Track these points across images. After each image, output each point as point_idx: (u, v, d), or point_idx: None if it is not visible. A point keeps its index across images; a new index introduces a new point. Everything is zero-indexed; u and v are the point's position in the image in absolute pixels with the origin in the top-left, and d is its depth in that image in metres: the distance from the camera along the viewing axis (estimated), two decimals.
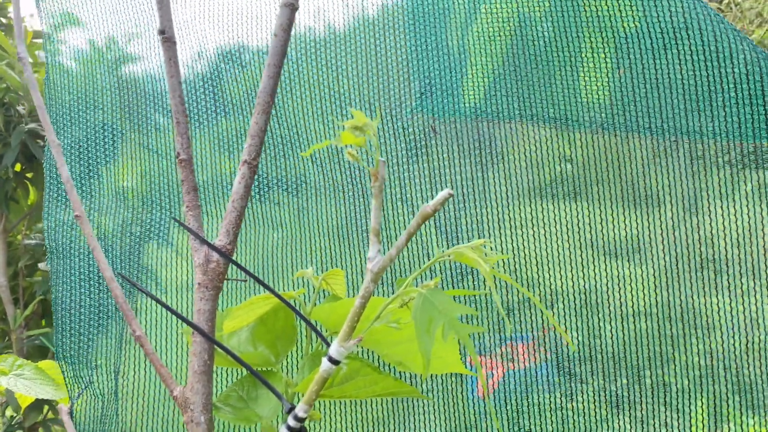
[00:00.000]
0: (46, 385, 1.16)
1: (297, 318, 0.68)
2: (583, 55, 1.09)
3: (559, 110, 1.10)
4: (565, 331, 1.10)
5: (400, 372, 0.95)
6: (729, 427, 1.02)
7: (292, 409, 0.57)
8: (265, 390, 0.63)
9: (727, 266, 1.06)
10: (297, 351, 0.94)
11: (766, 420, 1.01)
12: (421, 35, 1.11)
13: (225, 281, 0.66)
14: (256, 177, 1.26)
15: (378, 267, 0.56)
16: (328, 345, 0.60)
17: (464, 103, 1.10)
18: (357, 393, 0.59)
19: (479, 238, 1.12)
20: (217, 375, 0.95)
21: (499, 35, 1.10)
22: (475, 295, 1.10)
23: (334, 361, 0.56)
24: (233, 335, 0.70)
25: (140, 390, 1.04)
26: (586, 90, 1.09)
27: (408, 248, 1.12)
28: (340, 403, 1.05)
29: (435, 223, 1.15)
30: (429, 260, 1.21)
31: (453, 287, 1.14)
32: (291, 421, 0.55)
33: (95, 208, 1.21)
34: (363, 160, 0.56)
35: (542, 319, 1.12)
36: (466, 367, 0.70)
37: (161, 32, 0.67)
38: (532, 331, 1.11)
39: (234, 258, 0.66)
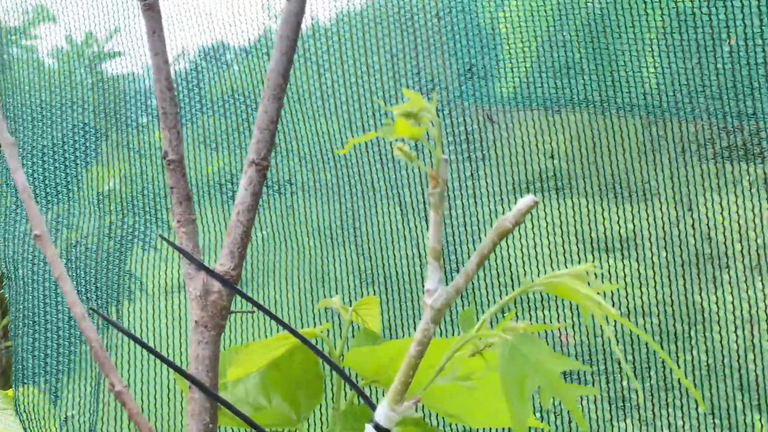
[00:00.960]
0: (16, 417, 1.01)
1: (320, 362, 0.53)
2: (637, 34, 0.96)
3: (608, 95, 0.98)
4: (569, 333, 1.03)
5: (450, 424, 0.80)
6: (733, 425, 0.95)
7: None
8: None
9: (728, 261, 1.00)
10: (323, 404, 0.79)
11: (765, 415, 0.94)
12: (457, 14, 0.99)
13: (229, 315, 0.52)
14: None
15: (441, 302, 0.42)
16: (371, 404, 0.45)
17: (501, 90, 0.97)
18: None
19: (468, 233, 1.02)
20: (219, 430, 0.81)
21: (539, 12, 0.97)
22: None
23: (383, 430, 0.41)
24: (238, 383, 0.56)
25: None
26: (641, 72, 0.96)
27: (401, 253, 1.01)
28: None
29: (426, 219, 1.03)
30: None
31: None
32: None
33: (76, 212, 1.08)
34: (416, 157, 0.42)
35: (543, 317, 1.03)
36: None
37: None
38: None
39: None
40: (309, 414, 0.53)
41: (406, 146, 0.43)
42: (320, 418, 0.84)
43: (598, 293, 0.41)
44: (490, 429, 0.93)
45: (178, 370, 0.48)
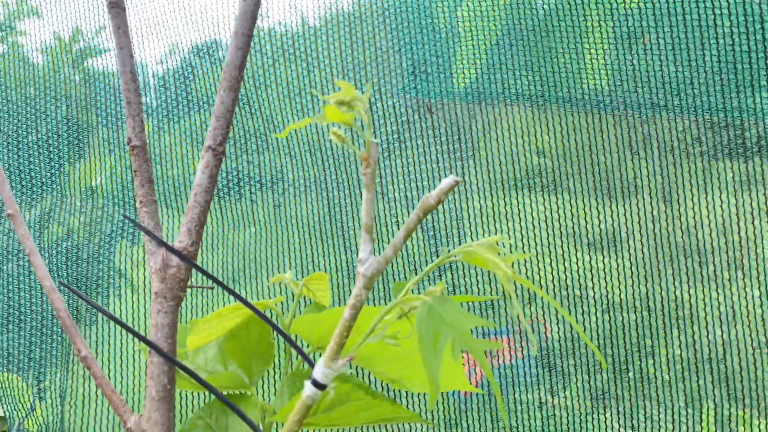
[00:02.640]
0: None
1: (274, 331, 0.58)
2: (584, 31, 1.01)
3: (556, 91, 1.03)
4: (547, 326, 1.06)
5: (393, 391, 0.85)
6: (711, 418, 0.99)
7: None
8: (236, 418, 0.53)
9: (708, 257, 1.03)
10: (274, 370, 0.84)
11: (748, 410, 0.98)
12: (411, 12, 1.03)
13: (188, 289, 0.56)
14: (225, 172, 1.18)
15: (372, 270, 0.46)
16: (312, 365, 0.50)
17: (456, 85, 1.02)
18: (347, 420, 0.49)
19: (457, 230, 1.07)
20: (180, 398, 0.85)
21: (493, 10, 1.02)
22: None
23: (320, 386, 0.46)
24: (199, 352, 0.60)
25: (90, 418, 0.94)
26: (586, 69, 1.01)
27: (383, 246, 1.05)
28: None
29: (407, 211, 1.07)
30: (419, 260, 1.14)
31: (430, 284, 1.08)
32: None
33: (64, 206, 1.12)
34: (350, 142, 0.47)
35: (529, 312, 1.07)
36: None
37: None
38: (509, 326, 1.05)
39: (198, 262, 0.56)
40: (259, 378, 0.58)
41: (341, 131, 0.48)
42: (272, 385, 0.88)
43: (508, 262, 0.46)
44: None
45: (139, 336, 0.53)
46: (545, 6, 1.00)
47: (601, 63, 1.02)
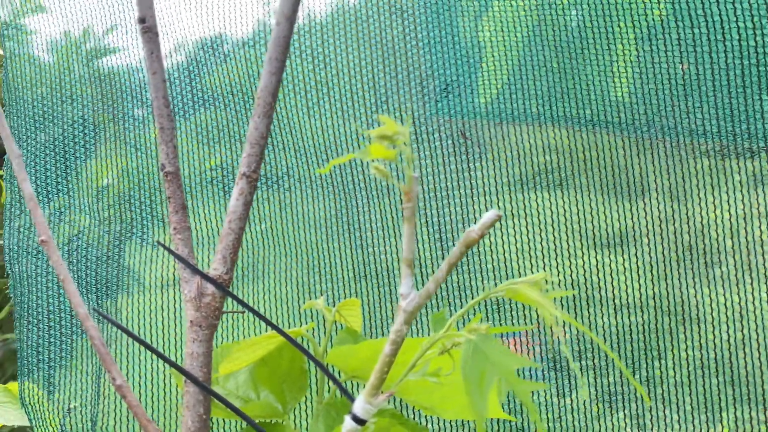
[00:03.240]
0: (15, 410, 1.05)
1: (307, 359, 0.57)
2: (612, 48, 1.00)
3: (584, 110, 1.02)
4: (555, 325, 1.06)
5: (426, 417, 0.85)
6: (724, 419, 0.98)
7: None
8: None
9: (718, 257, 1.02)
10: (308, 398, 0.83)
11: (761, 412, 0.97)
12: (434, 25, 1.02)
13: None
14: (232, 168, 1.18)
15: (413, 306, 0.46)
16: (350, 397, 0.49)
17: (480, 103, 1.01)
18: None
19: (466, 230, 1.06)
20: (212, 424, 0.85)
21: (518, 24, 1.01)
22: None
23: (360, 421, 0.46)
24: (229, 377, 0.60)
25: None
26: (614, 87, 1.00)
27: (395, 248, 1.05)
28: None
29: (421, 216, 1.07)
30: (425, 261, 1.13)
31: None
32: None
33: (74, 206, 1.11)
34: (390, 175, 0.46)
35: (535, 314, 1.06)
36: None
37: (141, 21, 0.56)
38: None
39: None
40: (294, 406, 0.57)
41: (382, 165, 0.47)
42: (304, 411, 0.88)
43: (551, 299, 0.45)
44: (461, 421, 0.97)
45: (174, 365, 0.52)
46: (571, 20, 1.00)
47: (625, 76, 1.01)
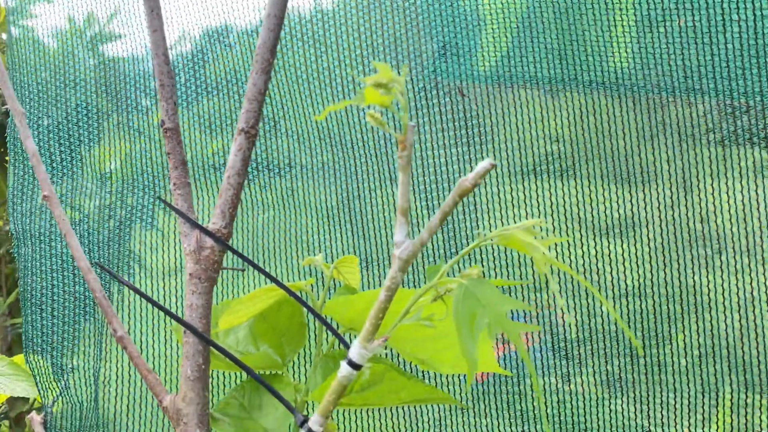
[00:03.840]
0: (21, 382, 1.06)
1: (305, 313, 0.58)
2: (610, 12, 1.00)
3: (584, 74, 1.01)
4: (561, 311, 1.06)
5: (422, 372, 0.85)
6: (727, 405, 0.99)
7: (305, 421, 0.47)
8: (270, 396, 0.53)
9: (726, 243, 1.02)
10: (305, 351, 0.84)
11: (765, 398, 0.97)
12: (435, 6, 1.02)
13: (220, 271, 0.57)
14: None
15: (407, 253, 0.46)
16: (347, 345, 0.50)
17: (481, 67, 1.01)
18: (381, 401, 0.50)
19: (471, 217, 1.06)
20: (212, 378, 0.86)
21: None
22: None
23: (355, 366, 0.46)
24: (229, 333, 0.61)
25: (124, 397, 0.95)
26: (612, 50, 1.00)
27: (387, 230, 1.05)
28: (358, 411, 0.97)
29: (426, 203, 1.07)
30: (432, 244, 1.14)
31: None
32: None
33: (78, 191, 1.12)
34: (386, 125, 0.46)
35: (543, 297, 1.06)
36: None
37: None
38: (525, 313, 1.05)
39: (230, 243, 0.56)
40: (292, 358, 0.58)
41: (378, 113, 0.48)
42: (303, 365, 0.89)
43: (545, 246, 0.46)
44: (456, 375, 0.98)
45: (174, 316, 0.53)
46: None
47: (624, 44, 1.01)
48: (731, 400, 1.01)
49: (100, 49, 1.25)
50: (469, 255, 1.05)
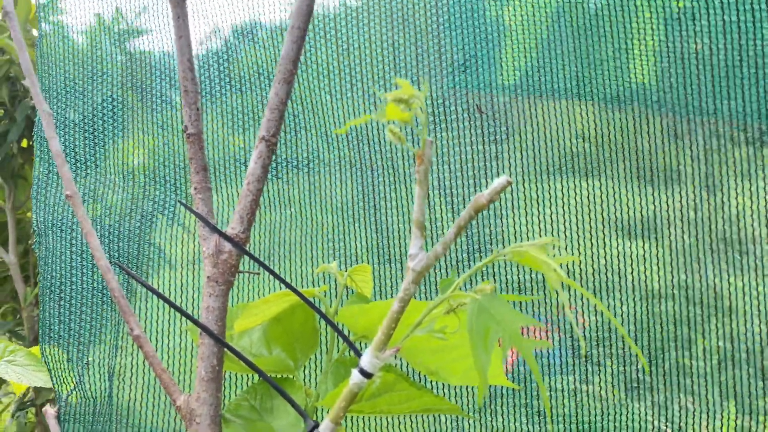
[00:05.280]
0: (39, 372, 1.07)
1: (318, 319, 0.58)
2: (633, 31, 0.99)
3: (604, 90, 1.01)
4: (580, 313, 1.04)
5: (431, 382, 0.85)
6: (746, 411, 0.97)
7: (315, 426, 0.47)
8: (281, 400, 0.54)
9: (750, 246, 1.00)
10: (317, 356, 0.84)
11: None
12: (457, 5, 1.02)
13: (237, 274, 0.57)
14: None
15: (421, 266, 0.46)
16: (358, 354, 0.50)
17: (503, 80, 1.01)
18: (390, 409, 0.50)
19: (492, 216, 1.05)
20: (224, 380, 0.86)
21: (541, 7, 1.00)
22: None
23: (367, 374, 0.46)
24: (244, 335, 0.61)
25: (138, 395, 0.95)
26: (634, 68, 0.99)
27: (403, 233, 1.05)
28: (367, 419, 0.96)
29: (445, 200, 1.06)
30: (452, 249, 1.13)
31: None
32: None
33: (103, 184, 1.13)
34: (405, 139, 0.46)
35: (557, 301, 1.05)
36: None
37: None
38: (547, 314, 1.04)
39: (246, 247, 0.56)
40: (304, 363, 0.58)
41: (398, 128, 0.48)
42: (315, 371, 0.89)
43: (558, 264, 0.46)
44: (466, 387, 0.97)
45: (190, 317, 0.53)
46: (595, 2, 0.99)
47: (649, 60, 1.00)
48: (750, 406, 0.99)
49: (127, 45, 1.26)
50: (485, 250, 1.05)
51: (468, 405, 0.98)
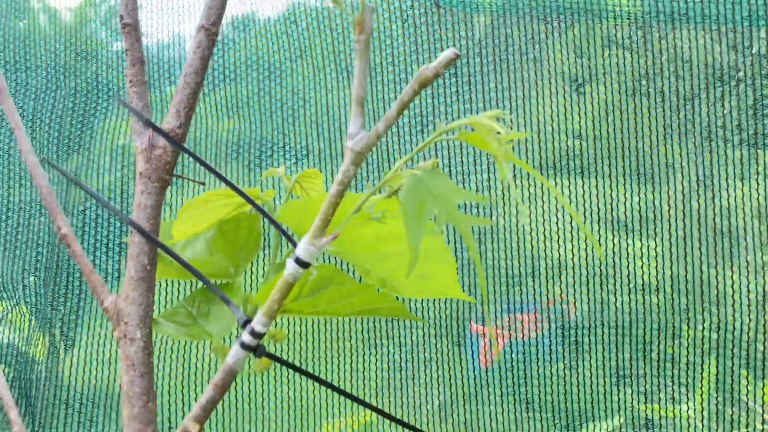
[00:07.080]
0: None
1: (264, 225, 0.54)
2: None
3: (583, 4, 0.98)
4: (572, 302, 1.03)
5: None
6: (736, 400, 0.95)
7: (248, 321, 0.43)
8: (219, 306, 0.50)
9: (741, 240, 0.99)
10: (261, 264, 0.81)
11: None
12: None
13: (175, 178, 0.53)
14: (257, 144, 1.15)
15: (362, 145, 0.42)
16: (295, 245, 0.46)
17: None
18: (332, 308, 0.46)
19: (489, 212, 1.03)
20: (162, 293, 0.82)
21: None
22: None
23: (303, 264, 0.42)
24: (187, 247, 0.56)
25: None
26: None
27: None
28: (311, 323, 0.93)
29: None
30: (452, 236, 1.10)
31: None
32: (246, 337, 0.42)
33: (91, 165, 1.09)
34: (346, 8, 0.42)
35: (554, 291, 1.04)
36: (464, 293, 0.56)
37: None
38: (535, 302, 1.03)
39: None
40: (245, 268, 0.54)
41: None
42: (258, 277, 0.85)
43: (506, 139, 0.42)
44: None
45: (121, 215, 0.49)
46: None
47: None
48: (740, 395, 0.97)
49: (113, 22, 1.22)
50: (480, 241, 1.02)
51: (456, 383, 0.97)
